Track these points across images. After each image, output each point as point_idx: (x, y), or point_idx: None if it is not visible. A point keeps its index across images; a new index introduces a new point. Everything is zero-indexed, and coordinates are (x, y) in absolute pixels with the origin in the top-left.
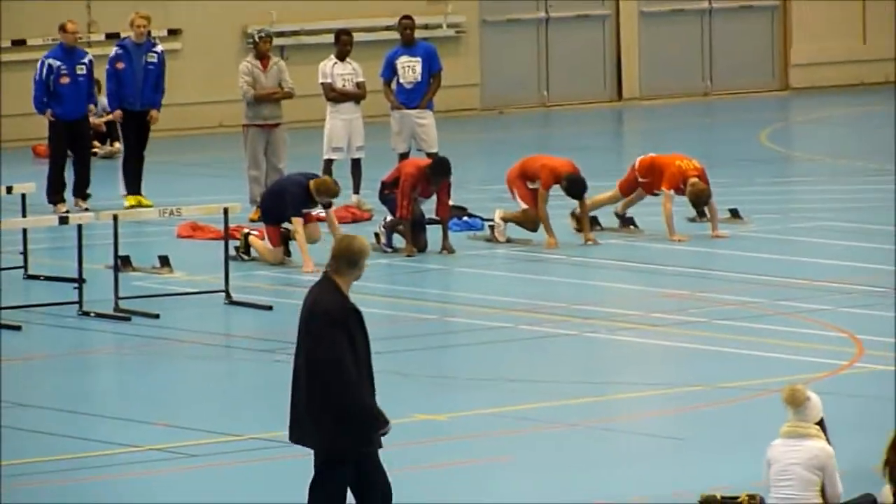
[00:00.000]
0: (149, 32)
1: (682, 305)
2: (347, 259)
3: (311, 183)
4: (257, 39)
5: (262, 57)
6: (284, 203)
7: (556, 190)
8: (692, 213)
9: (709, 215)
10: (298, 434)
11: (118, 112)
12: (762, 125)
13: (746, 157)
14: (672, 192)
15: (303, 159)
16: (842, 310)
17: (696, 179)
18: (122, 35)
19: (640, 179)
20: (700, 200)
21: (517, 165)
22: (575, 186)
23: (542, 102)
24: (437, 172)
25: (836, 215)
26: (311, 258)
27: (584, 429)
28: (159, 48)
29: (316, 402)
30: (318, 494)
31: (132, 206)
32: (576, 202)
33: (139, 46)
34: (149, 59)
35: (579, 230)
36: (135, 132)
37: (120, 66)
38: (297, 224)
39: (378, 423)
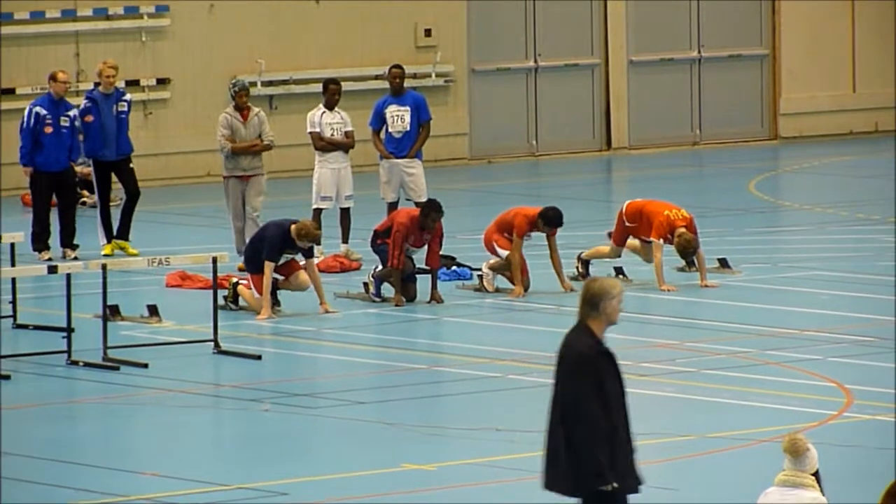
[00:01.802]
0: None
1: (672, 355)
2: (588, 301)
3: (292, 227)
4: (232, 93)
5: (242, 108)
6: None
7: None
8: (681, 262)
9: (697, 265)
10: (551, 479)
11: (87, 169)
12: (751, 174)
13: (735, 207)
14: (661, 241)
15: (292, 208)
16: (831, 359)
17: (683, 230)
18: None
19: (628, 224)
20: (688, 251)
21: (493, 222)
22: (550, 215)
23: (531, 152)
24: (430, 212)
25: (825, 264)
26: (268, 306)
27: None
28: (128, 96)
29: (563, 446)
30: None
31: (109, 254)
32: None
33: (108, 97)
34: (120, 109)
35: (584, 275)
36: (123, 180)
37: (89, 118)
38: (267, 268)
39: (600, 479)
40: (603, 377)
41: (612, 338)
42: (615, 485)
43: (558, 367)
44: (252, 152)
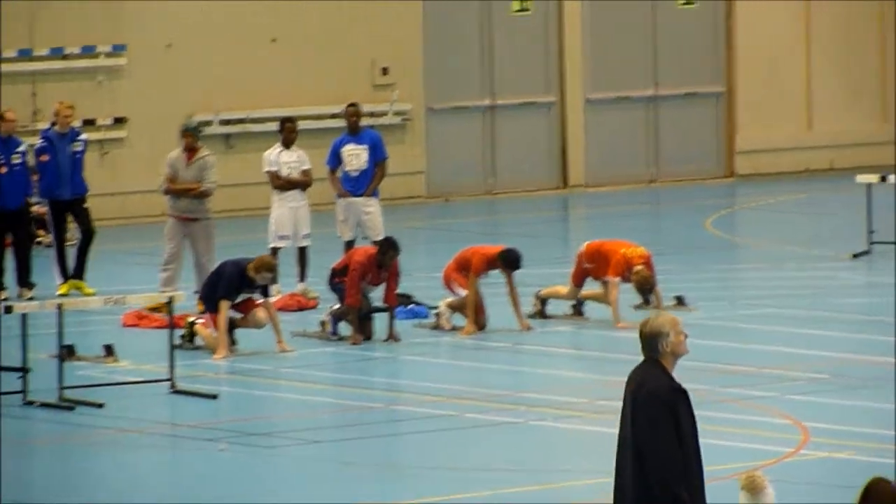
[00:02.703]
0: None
1: None
2: (648, 346)
3: (249, 265)
4: (181, 132)
5: (188, 149)
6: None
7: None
8: (638, 299)
9: (654, 302)
10: None
11: (42, 209)
12: (708, 212)
13: (692, 244)
14: (618, 279)
15: (248, 247)
16: (787, 397)
17: (641, 267)
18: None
19: (586, 265)
20: (645, 288)
21: (451, 261)
22: (510, 257)
23: (489, 190)
24: (387, 250)
25: (780, 302)
26: (225, 345)
27: None
28: (84, 136)
29: (641, 487)
30: None
31: (65, 294)
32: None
33: (63, 136)
34: (75, 148)
35: (541, 313)
36: (79, 219)
37: (44, 158)
38: (222, 306)
39: None
40: (679, 415)
41: (570, 375)
42: None
43: (631, 405)
44: (191, 195)
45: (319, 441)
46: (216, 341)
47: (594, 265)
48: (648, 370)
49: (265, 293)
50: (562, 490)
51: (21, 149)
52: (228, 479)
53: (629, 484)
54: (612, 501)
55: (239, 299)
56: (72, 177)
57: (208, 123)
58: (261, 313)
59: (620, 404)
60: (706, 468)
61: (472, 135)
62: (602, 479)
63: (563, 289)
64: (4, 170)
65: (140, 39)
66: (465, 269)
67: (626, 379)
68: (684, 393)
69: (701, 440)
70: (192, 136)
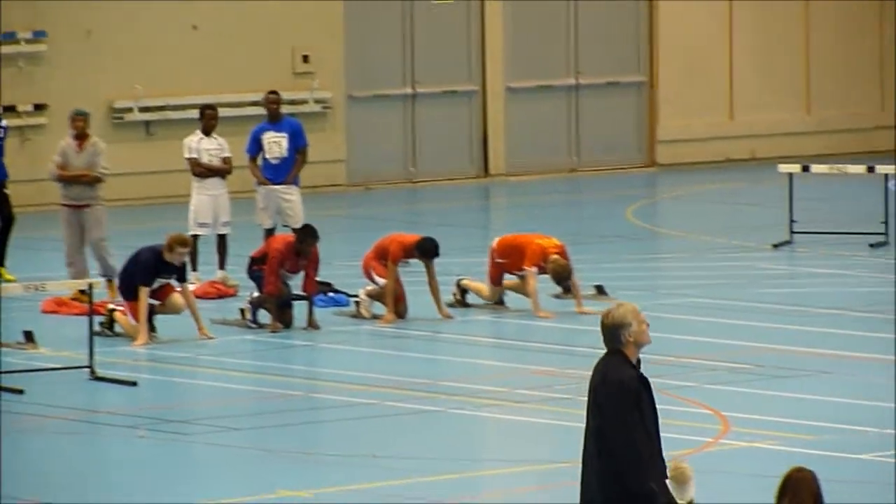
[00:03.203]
0: None
1: (549, 382)
2: (609, 338)
3: (164, 247)
4: (71, 118)
5: (79, 136)
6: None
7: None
8: (556, 289)
9: (572, 292)
10: None
11: None
12: (628, 201)
13: (612, 234)
14: (535, 269)
15: (167, 234)
16: (708, 386)
17: (556, 256)
18: None
19: (499, 260)
20: (562, 276)
21: (370, 249)
22: (427, 246)
23: (409, 178)
24: (305, 237)
25: (701, 291)
26: (145, 332)
27: None
28: (4, 122)
29: (606, 480)
30: None
31: None
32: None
33: None
34: None
35: (461, 302)
36: None
37: None
38: (142, 293)
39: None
40: (642, 405)
41: (489, 364)
42: None
43: (595, 396)
44: (83, 182)
45: (238, 429)
46: (135, 328)
47: (508, 259)
48: (611, 361)
49: (182, 279)
50: (480, 479)
51: None
52: (147, 466)
53: (593, 479)
54: (578, 495)
55: (156, 285)
56: None
57: (129, 111)
58: (178, 298)
59: (540, 394)
60: None
61: (393, 123)
62: (520, 467)
63: (485, 289)
64: None
65: (61, 26)
66: (384, 257)
67: (547, 368)
68: (646, 382)
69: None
70: (83, 122)
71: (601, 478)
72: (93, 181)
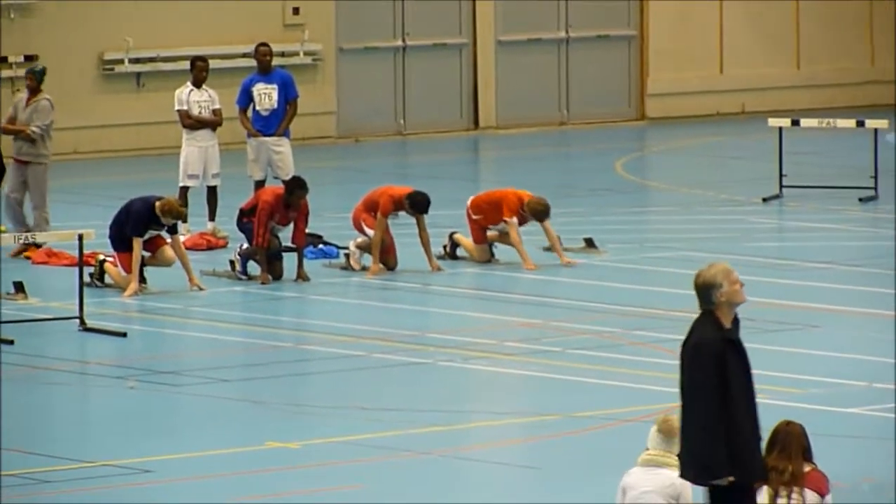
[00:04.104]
0: None
1: (536, 334)
2: (702, 297)
3: (157, 203)
4: (25, 74)
5: (30, 92)
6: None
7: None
8: (545, 242)
9: (549, 243)
10: (681, 467)
11: None
12: (618, 155)
13: (602, 187)
14: (515, 219)
15: (159, 186)
16: None
17: (531, 197)
18: None
19: (475, 217)
20: (542, 213)
21: (360, 201)
22: (418, 200)
23: (399, 131)
24: (295, 189)
25: (691, 245)
26: (135, 282)
27: (438, 457)
28: None
29: (684, 435)
30: None
31: None
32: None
33: None
34: None
35: (451, 255)
36: None
37: None
38: (135, 244)
39: (710, 473)
40: (724, 366)
41: (477, 316)
42: (731, 479)
43: (681, 354)
44: (23, 138)
45: (228, 380)
46: (126, 279)
47: (483, 215)
48: (699, 321)
49: (173, 231)
50: (467, 431)
51: None
52: (136, 417)
53: (683, 435)
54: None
55: (147, 236)
56: None
57: (119, 62)
58: (169, 251)
59: (527, 346)
60: (613, 410)
61: (384, 76)
62: (507, 420)
63: (474, 251)
64: None
65: None
66: (374, 209)
67: (534, 321)
68: (733, 343)
69: (607, 382)
70: (32, 79)
71: (685, 436)
72: (26, 137)
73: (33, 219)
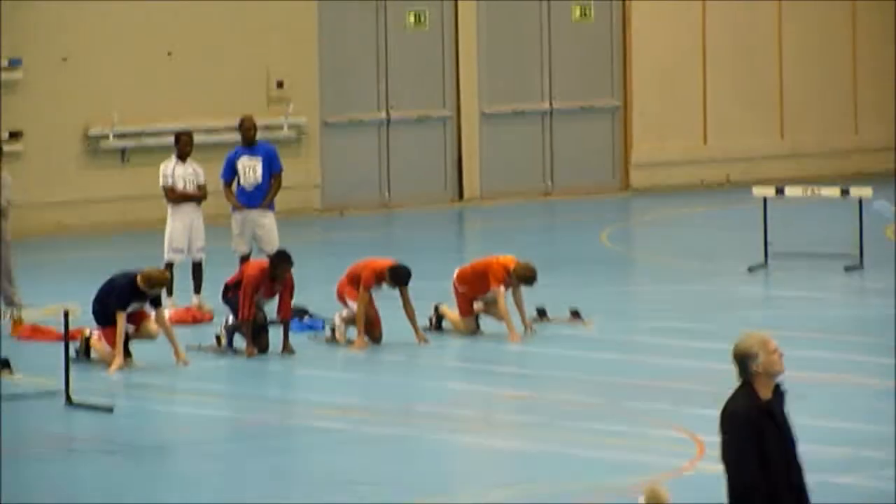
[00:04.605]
0: None
1: (524, 406)
2: (740, 367)
3: (139, 276)
4: None
5: None
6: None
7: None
8: (531, 314)
9: (516, 306)
10: None
11: None
12: (603, 226)
13: (587, 258)
14: (503, 288)
15: (144, 260)
16: (683, 410)
17: (518, 263)
18: None
19: (461, 290)
20: (529, 277)
21: (344, 274)
22: (398, 273)
23: (384, 203)
24: (280, 263)
25: (677, 315)
26: (121, 357)
27: None
28: None
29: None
30: None
31: None
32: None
33: None
34: None
35: (437, 326)
36: None
37: None
38: (119, 318)
39: None
40: (762, 435)
41: (465, 388)
42: None
43: (720, 426)
44: None
45: (214, 454)
46: (111, 354)
47: (469, 286)
48: (736, 392)
49: (157, 304)
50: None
51: None
52: (122, 491)
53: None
54: None
55: (130, 310)
56: None
57: (105, 137)
58: (152, 325)
59: (515, 417)
60: (602, 481)
61: (368, 148)
62: (498, 490)
63: (460, 323)
64: None
65: (36, 53)
66: (357, 282)
67: (521, 392)
68: (769, 413)
69: (596, 453)
70: None
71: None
72: None
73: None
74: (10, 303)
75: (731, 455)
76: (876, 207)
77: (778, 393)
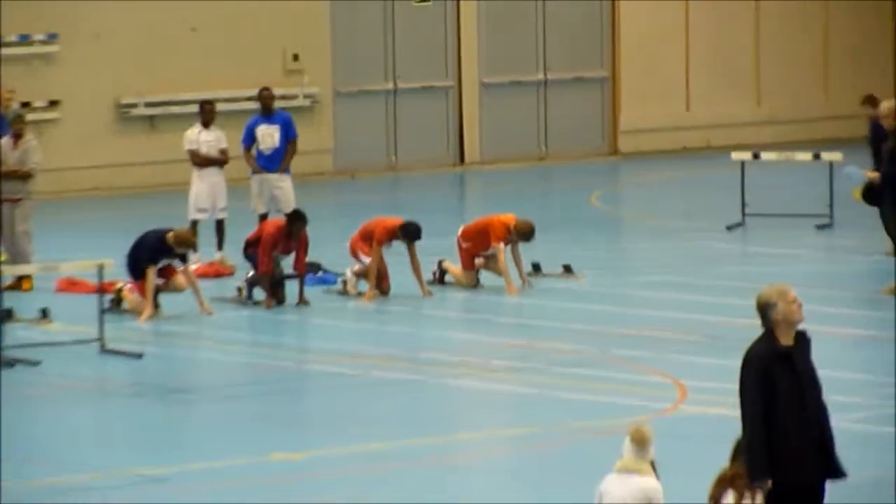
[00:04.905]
0: None
1: (520, 354)
2: (759, 314)
3: (169, 235)
4: (10, 121)
5: (16, 135)
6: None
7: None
8: (527, 269)
9: (514, 262)
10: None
11: None
12: (593, 188)
13: (578, 218)
14: (502, 245)
15: (171, 219)
16: (667, 357)
17: (518, 220)
18: None
19: (465, 245)
20: (529, 233)
21: (357, 232)
22: (410, 229)
23: (391, 167)
24: (295, 221)
25: (661, 270)
26: (150, 308)
27: (430, 467)
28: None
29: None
30: None
31: (4, 261)
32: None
33: (1, 118)
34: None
35: (440, 280)
36: None
37: None
38: (149, 273)
39: (752, 476)
40: (773, 376)
41: (466, 337)
42: (768, 484)
43: (740, 369)
44: (15, 177)
45: (236, 397)
46: (141, 305)
47: (472, 243)
48: (758, 339)
49: (184, 260)
50: (457, 442)
51: None
52: (153, 432)
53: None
54: None
55: (160, 266)
56: None
57: (134, 106)
58: (180, 279)
59: (512, 364)
60: (590, 422)
61: (376, 116)
62: (495, 431)
63: (462, 277)
64: None
65: (71, 29)
66: (369, 239)
67: (518, 341)
68: (786, 358)
69: (586, 396)
70: (18, 123)
71: (742, 436)
72: (23, 176)
73: (16, 242)
74: (28, 259)
75: (744, 392)
76: (847, 172)
77: (803, 340)
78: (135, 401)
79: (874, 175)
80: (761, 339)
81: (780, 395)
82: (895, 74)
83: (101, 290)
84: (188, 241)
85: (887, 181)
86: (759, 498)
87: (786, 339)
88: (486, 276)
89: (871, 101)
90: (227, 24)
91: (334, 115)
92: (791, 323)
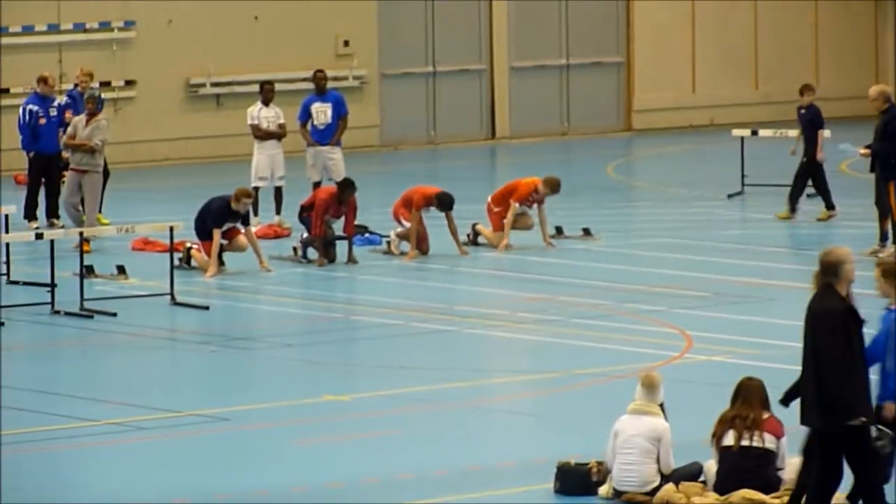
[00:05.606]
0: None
1: (543, 307)
2: (828, 271)
3: (231, 198)
4: (85, 100)
5: (90, 114)
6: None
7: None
8: (550, 231)
9: (540, 224)
10: (807, 417)
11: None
12: (609, 160)
13: (596, 186)
14: (517, 204)
15: (234, 187)
16: (675, 310)
17: (547, 176)
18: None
19: (496, 210)
20: (557, 186)
21: (399, 199)
22: (444, 199)
23: (430, 141)
24: (345, 188)
25: (669, 233)
26: (215, 265)
27: (462, 408)
28: (101, 95)
29: (816, 389)
30: (815, 462)
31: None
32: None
33: (83, 96)
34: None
35: (474, 242)
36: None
37: (69, 113)
38: (215, 234)
39: (845, 414)
40: (850, 332)
41: (495, 292)
42: (863, 419)
43: (811, 323)
44: (83, 150)
45: (291, 345)
46: (207, 263)
47: (501, 207)
48: (824, 294)
49: (246, 223)
50: (488, 386)
51: (55, 103)
52: (217, 375)
53: (813, 389)
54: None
55: (225, 227)
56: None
57: (202, 86)
58: (242, 239)
59: (535, 316)
60: (607, 368)
61: (418, 96)
62: (520, 376)
63: (493, 238)
64: (44, 121)
65: (147, 17)
66: (409, 205)
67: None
68: (855, 315)
69: (601, 345)
70: (91, 103)
71: (819, 389)
72: (89, 150)
73: (87, 221)
74: (80, 223)
75: (829, 345)
76: (842, 148)
77: (849, 296)
78: (202, 348)
79: (866, 151)
80: (826, 294)
81: (855, 344)
82: (877, 63)
83: (172, 249)
84: (246, 194)
85: (877, 157)
86: (757, 438)
87: (845, 294)
88: (514, 237)
89: (808, 88)
90: (285, 14)
91: (380, 95)
92: (851, 281)
